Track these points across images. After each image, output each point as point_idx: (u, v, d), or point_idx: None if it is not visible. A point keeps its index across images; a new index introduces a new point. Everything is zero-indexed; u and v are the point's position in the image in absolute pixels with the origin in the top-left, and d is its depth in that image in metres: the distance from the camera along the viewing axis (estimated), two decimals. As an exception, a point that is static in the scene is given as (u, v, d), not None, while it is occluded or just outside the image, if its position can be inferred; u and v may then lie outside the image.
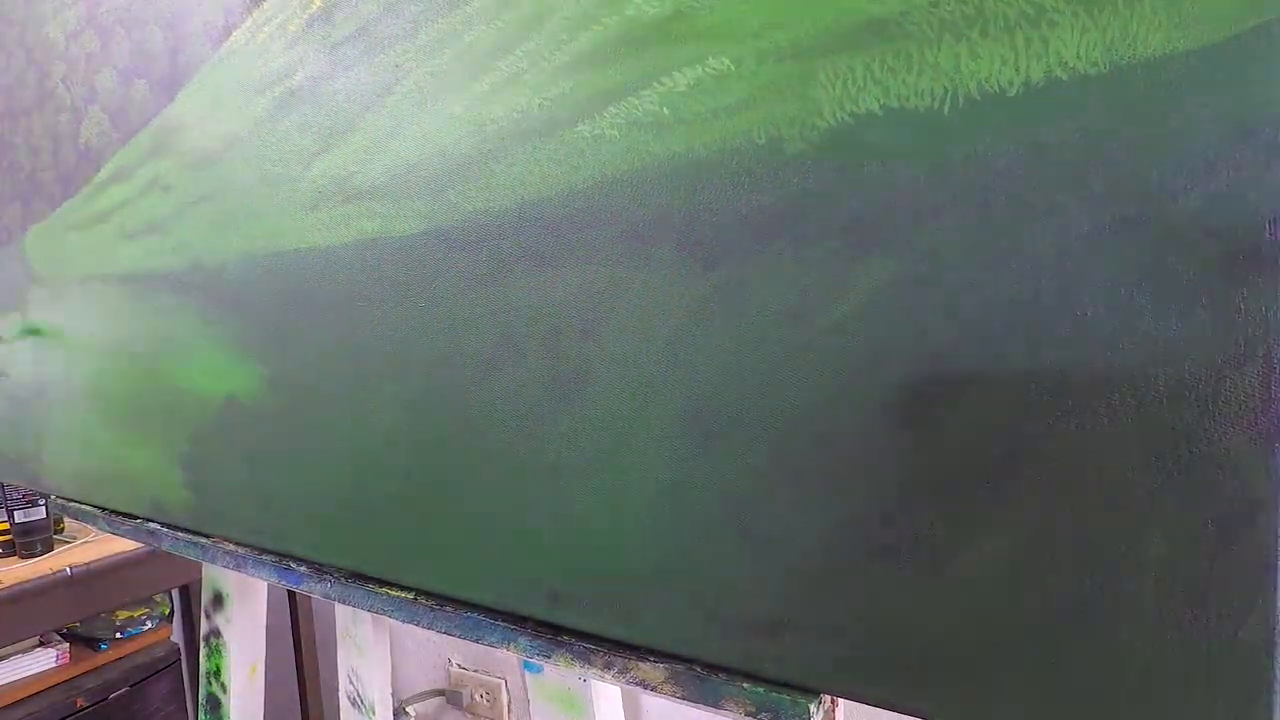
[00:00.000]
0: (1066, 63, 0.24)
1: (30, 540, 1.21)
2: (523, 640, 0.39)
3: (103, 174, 0.60)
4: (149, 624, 1.37)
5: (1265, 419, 0.22)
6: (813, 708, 0.31)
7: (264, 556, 0.53)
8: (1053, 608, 0.25)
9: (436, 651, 1.30)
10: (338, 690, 0.68)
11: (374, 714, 0.64)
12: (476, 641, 0.41)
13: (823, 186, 0.28)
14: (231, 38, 0.48)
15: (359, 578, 0.47)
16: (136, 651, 1.34)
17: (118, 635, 1.32)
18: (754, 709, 0.32)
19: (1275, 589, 0.22)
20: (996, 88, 0.25)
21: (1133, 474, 0.24)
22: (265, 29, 0.46)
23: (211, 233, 0.51)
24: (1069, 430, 0.25)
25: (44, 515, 1.23)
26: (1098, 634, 0.25)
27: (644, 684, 0.35)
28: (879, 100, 0.27)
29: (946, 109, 0.26)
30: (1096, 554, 0.24)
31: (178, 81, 0.52)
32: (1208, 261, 0.22)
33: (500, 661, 1.21)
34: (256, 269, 0.49)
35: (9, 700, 1.14)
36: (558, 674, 0.51)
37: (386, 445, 0.43)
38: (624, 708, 0.53)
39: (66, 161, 0.64)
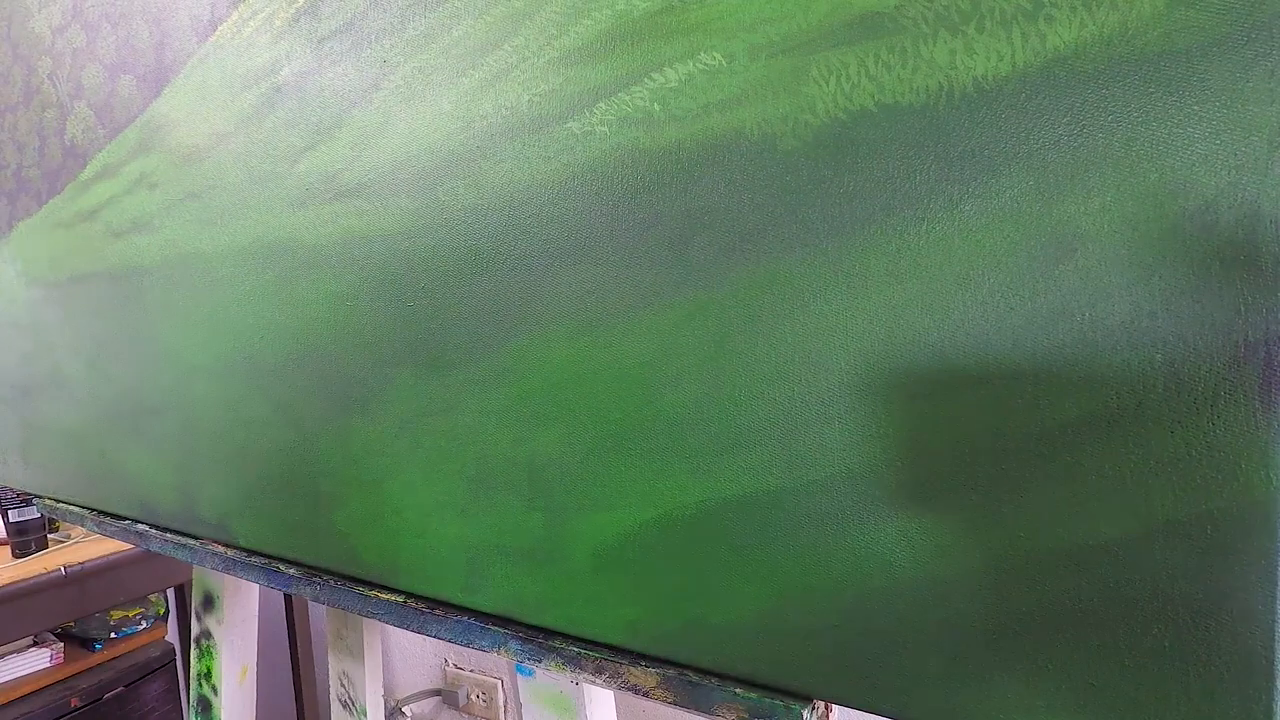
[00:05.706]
0: (1064, 58, 0.24)
1: (24, 539, 1.21)
2: (513, 645, 0.38)
3: (89, 170, 0.59)
4: (144, 624, 1.36)
5: (1265, 419, 0.21)
6: (806, 713, 0.30)
7: (252, 559, 0.52)
8: (1048, 610, 0.25)
9: (433, 651, 1.29)
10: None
11: (365, 717, 0.64)
12: (467, 645, 0.40)
13: (816, 184, 0.28)
14: (217, 32, 0.47)
15: (350, 580, 0.47)
16: (131, 651, 1.34)
17: (112, 635, 1.31)
18: (747, 714, 0.31)
19: (1275, 590, 0.21)
20: (992, 84, 0.25)
21: (1132, 474, 0.23)
22: (251, 23, 0.45)
23: (199, 231, 0.51)
24: (1067, 430, 0.24)
25: (38, 514, 1.22)
26: (1094, 636, 0.24)
27: (635, 689, 0.34)
28: (873, 96, 0.27)
29: (942, 105, 0.25)
30: (1094, 555, 0.24)
31: (164, 77, 0.52)
32: (1208, 261, 0.22)
33: (496, 662, 1.21)
34: (245, 267, 0.48)
35: (2, 700, 1.14)
36: (550, 677, 0.50)
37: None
38: (617, 709, 0.52)
39: (53, 158, 0.63)
